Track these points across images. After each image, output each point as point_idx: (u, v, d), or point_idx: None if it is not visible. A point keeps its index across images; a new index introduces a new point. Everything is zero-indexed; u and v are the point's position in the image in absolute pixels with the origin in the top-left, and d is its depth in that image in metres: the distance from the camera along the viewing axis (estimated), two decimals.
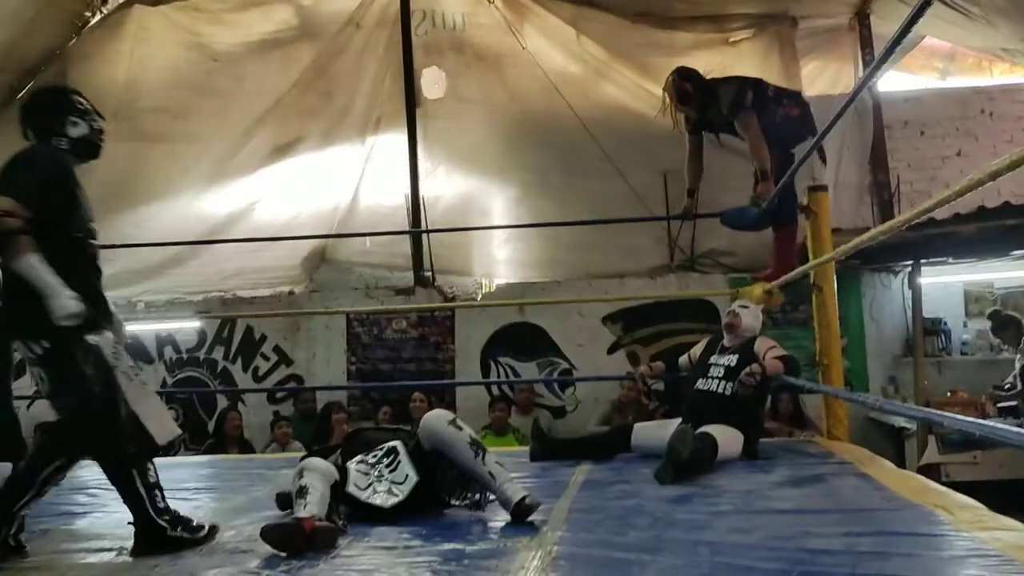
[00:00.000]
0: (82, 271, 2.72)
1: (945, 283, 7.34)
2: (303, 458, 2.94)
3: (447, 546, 2.49)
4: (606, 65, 8.05)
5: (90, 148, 2.90)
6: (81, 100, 2.91)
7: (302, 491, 2.65)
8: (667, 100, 4.74)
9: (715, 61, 7.42)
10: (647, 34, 8.03)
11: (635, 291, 7.68)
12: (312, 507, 2.58)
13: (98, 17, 8.09)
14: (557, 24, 8.07)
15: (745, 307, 4.43)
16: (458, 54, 8.23)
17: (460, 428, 2.95)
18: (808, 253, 4.72)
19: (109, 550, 2.65)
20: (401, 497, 2.88)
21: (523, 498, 2.78)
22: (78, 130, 2.84)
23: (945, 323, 7.34)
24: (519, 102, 8.11)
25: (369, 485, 2.93)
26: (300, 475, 2.73)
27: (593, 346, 7.85)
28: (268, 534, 2.49)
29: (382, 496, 2.89)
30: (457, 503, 2.99)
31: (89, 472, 4.89)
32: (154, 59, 8.13)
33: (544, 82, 7.98)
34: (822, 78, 7.99)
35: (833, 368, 4.66)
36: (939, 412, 2.33)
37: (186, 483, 4.02)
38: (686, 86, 4.64)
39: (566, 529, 2.63)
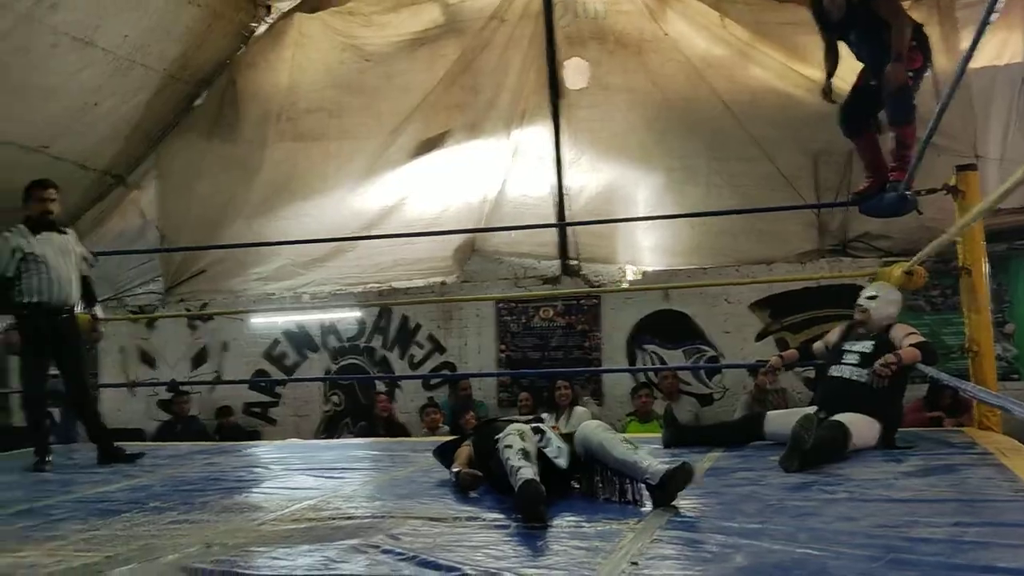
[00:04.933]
0: None
1: None
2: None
3: (555, 525, 2.59)
4: (751, 47, 7.84)
5: None
6: None
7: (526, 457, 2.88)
8: None
9: None
10: (795, 12, 7.73)
11: (783, 277, 7.52)
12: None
13: (263, 27, 8.61)
14: (700, 8, 7.92)
15: (873, 297, 4.30)
16: (600, 43, 8.23)
17: (614, 433, 3.07)
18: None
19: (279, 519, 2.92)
20: (565, 461, 3.02)
21: (680, 465, 2.77)
22: None
23: None
24: (662, 88, 8.04)
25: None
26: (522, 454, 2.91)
27: (740, 333, 7.76)
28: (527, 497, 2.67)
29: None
30: (615, 499, 2.97)
31: (261, 449, 5.37)
32: (312, 63, 8.56)
33: (687, 67, 7.88)
34: (986, 48, 7.46)
35: (984, 356, 4.43)
36: None
37: (336, 463, 4.34)
38: None
39: (675, 514, 2.67)
